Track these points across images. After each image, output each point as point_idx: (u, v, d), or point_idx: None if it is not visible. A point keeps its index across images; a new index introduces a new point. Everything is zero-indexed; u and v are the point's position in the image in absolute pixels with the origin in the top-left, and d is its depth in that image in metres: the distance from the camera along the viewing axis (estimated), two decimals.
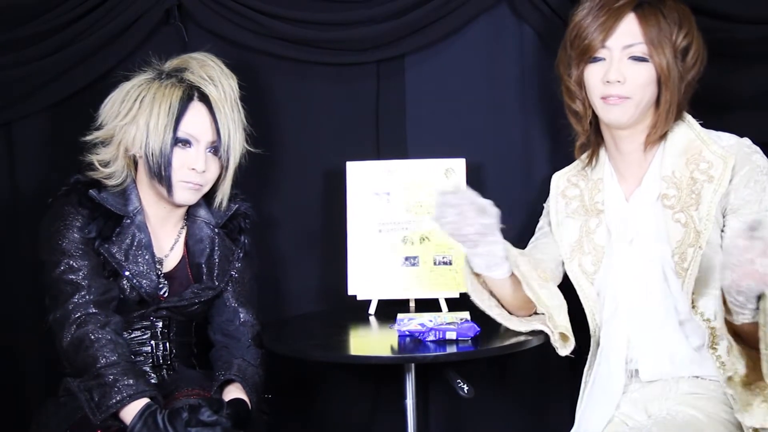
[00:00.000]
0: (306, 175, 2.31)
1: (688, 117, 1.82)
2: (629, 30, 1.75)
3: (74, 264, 1.82)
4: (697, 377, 1.78)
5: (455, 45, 2.27)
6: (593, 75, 1.79)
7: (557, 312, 1.81)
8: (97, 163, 1.90)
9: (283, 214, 2.31)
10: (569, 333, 1.80)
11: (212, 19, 2.21)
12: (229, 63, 2.01)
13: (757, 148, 1.77)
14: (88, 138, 1.92)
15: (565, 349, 1.80)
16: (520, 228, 2.16)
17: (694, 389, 1.77)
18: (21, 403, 2.22)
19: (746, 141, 1.78)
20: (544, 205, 2.03)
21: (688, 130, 1.81)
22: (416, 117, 2.29)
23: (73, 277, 1.82)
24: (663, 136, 1.82)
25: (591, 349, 1.91)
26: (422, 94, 2.29)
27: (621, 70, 1.75)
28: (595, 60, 1.78)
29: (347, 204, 2.20)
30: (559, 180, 2.00)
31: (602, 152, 1.91)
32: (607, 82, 1.75)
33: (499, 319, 1.88)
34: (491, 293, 1.90)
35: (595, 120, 1.87)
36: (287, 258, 2.31)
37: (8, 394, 2.24)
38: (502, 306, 1.91)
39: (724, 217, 1.75)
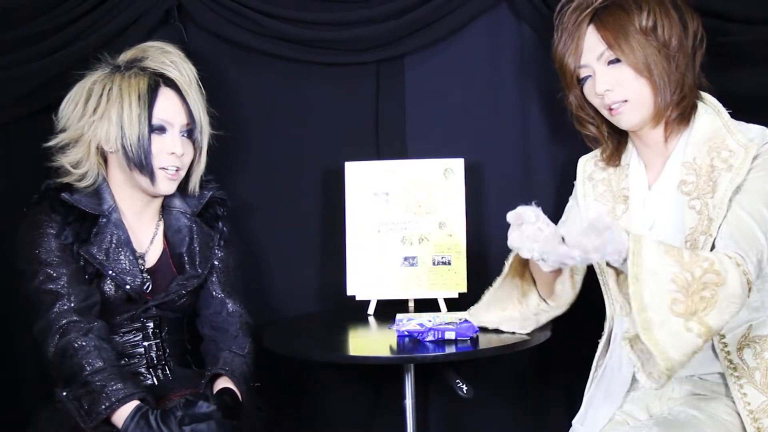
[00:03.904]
0: (305, 175, 2.31)
1: (719, 105, 1.81)
2: (592, 42, 1.80)
3: (52, 273, 1.82)
4: (699, 377, 1.78)
5: (455, 45, 2.27)
6: (589, 94, 1.84)
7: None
8: (68, 166, 1.89)
9: (282, 214, 2.31)
10: None
11: (212, 19, 2.21)
12: (229, 62, 2.00)
13: None
14: (54, 142, 1.91)
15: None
16: None
17: (696, 389, 1.77)
18: (20, 405, 2.21)
19: None
20: (575, 183, 2.01)
21: (716, 118, 1.79)
22: (416, 117, 2.29)
23: (52, 286, 1.81)
24: (687, 123, 1.81)
25: (604, 335, 1.91)
26: (422, 94, 2.29)
27: (604, 79, 1.79)
28: (584, 80, 1.84)
29: (346, 204, 2.20)
30: (586, 164, 1.99)
31: (629, 141, 1.92)
32: (600, 95, 1.80)
33: (505, 325, 1.91)
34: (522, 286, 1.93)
35: (613, 126, 1.89)
36: (286, 258, 2.31)
37: (5, 400, 2.22)
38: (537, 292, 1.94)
39: None
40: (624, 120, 1.80)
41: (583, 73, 1.83)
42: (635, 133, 1.86)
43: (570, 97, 1.90)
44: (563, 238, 1.52)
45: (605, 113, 1.83)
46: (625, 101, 1.78)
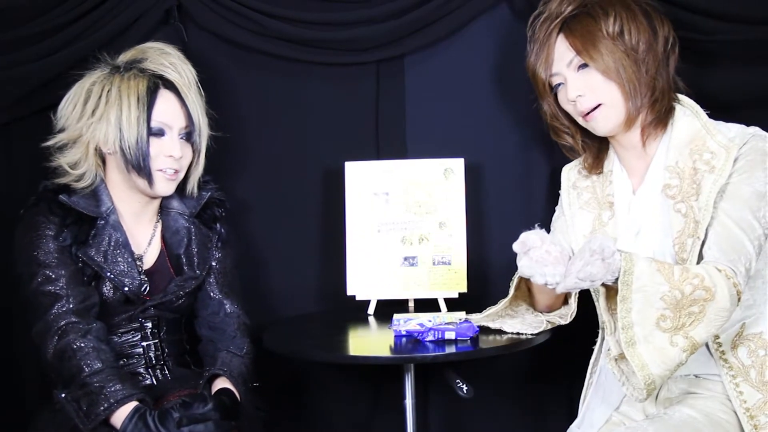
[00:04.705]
0: (305, 175, 2.31)
1: (696, 107, 1.82)
2: (562, 50, 1.82)
3: (51, 274, 1.81)
4: (696, 376, 1.78)
5: (455, 45, 2.27)
6: (563, 101, 1.86)
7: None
8: (65, 166, 1.88)
9: (282, 214, 2.31)
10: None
11: (212, 19, 2.21)
12: (229, 62, 2.00)
13: (764, 135, 1.76)
14: (52, 142, 1.90)
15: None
16: (519, 228, 2.14)
17: (692, 389, 1.77)
18: (21, 406, 2.21)
19: (751, 129, 1.77)
20: (560, 192, 2.03)
21: (695, 120, 1.80)
22: (416, 117, 2.29)
23: (50, 288, 1.80)
24: (664, 126, 1.82)
25: (598, 341, 1.93)
26: (422, 94, 2.29)
27: (576, 85, 1.81)
28: (558, 88, 1.86)
29: (346, 204, 2.20)
30: (570, 172, 2.00)
31: (610, 148, 1.92)
32: (572, 101, 1.81)
33: (513, 328, 1.90)
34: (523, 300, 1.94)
35: (589, 134, 1.89)
36: (286, 258, 2.31)
37: (6, 400, 2.22)
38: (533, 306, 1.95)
39: None
40: (598, 125, 1.82)
41: (555, 81, 1.85)
42: (614, 138, 1.87)
43: (544, 107, 1.92)
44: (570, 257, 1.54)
45: (580, 120, 1.85)
46: (597, 106, 1.80)
